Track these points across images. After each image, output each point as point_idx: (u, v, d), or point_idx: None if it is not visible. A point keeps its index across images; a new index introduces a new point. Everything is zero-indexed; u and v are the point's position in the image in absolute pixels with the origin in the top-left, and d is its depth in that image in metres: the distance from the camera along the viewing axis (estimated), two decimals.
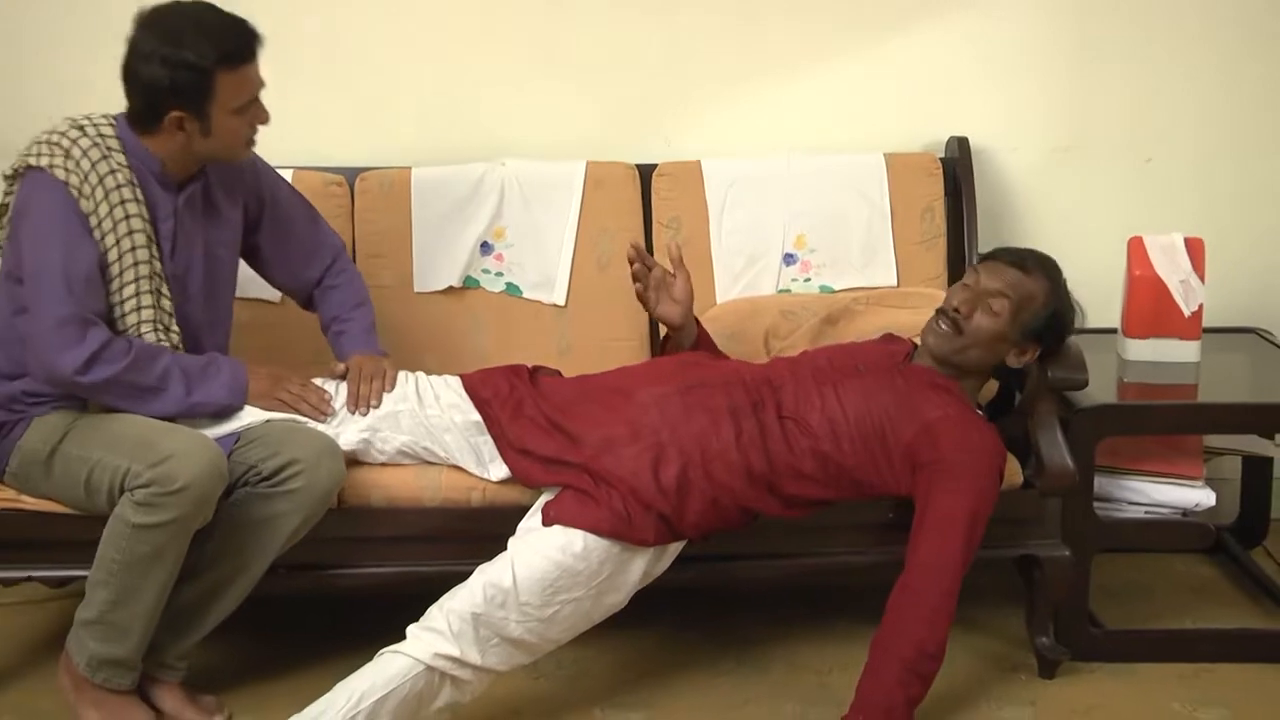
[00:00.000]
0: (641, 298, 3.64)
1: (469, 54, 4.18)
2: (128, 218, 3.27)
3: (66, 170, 3.24)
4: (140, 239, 3.28)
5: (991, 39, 4.20)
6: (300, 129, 4.08)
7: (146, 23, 3.24)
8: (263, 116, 3.36)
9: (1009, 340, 3.47)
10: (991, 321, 3.44)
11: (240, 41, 3.26)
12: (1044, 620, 3.58)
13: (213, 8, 3.27)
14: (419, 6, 4.15)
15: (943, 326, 3.47)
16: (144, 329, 3.30)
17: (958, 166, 4.12)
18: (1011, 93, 4.23)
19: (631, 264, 3.60)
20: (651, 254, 3.97)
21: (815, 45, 4.21)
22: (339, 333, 3.63)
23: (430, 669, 3.11)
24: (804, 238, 4.07)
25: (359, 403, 3.44)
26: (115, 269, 3.27)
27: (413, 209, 4.03)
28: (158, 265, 3.33)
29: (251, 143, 3.39)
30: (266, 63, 3.91)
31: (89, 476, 3.25)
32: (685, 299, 3.64)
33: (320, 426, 3.40)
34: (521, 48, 4.19)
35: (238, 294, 3.76)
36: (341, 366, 3.52)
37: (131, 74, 3.25)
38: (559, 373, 3.64)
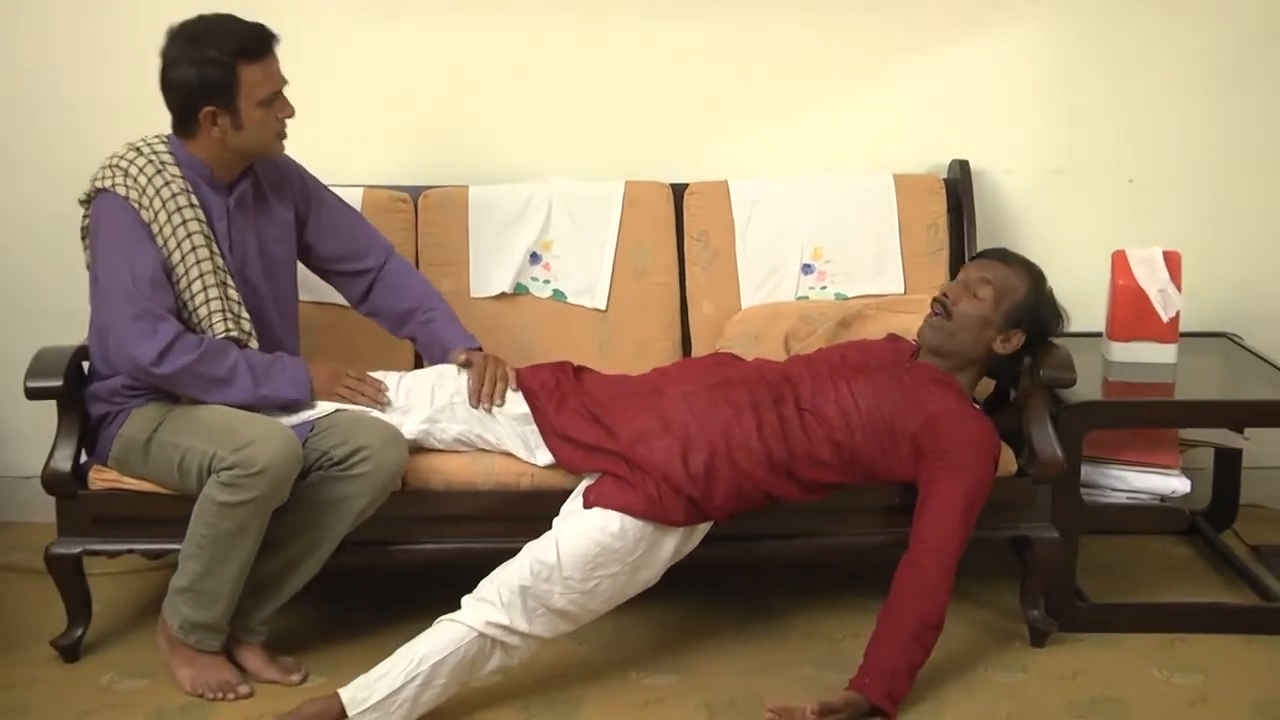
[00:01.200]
0: None
1: (520, 85, 4.17)
2: (185, 222, 3.30)
3: (126, 187, 3.28)
4: (199, 239, 3.31)
5: (989, 72, 4.19)
6: (370, 152, 4.11)
7: (174, 34, 3.29)
8: (287, 110, 3.35)
9: (993, 325, 3.46)
10: (976, 306, 3.45)
11: (257, 37, 3.29)
12: (1035, 595, 3.56)
13: (231, 16, 3.31)
14: (477, 45, 4.14)
15: (934, 314, 3.48)
16: (214, 319, 3.32)
17: (959, 186, 4.10)
18: (1007, 121, 4.21)
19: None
20: (683, 263, 4.03)
21: (831, 77, 4.19)
22: (427, 320, 3.62)
23: (483, 636, 3.11)
24: (820, 250, 4.05)
25: (483, 400, 3.44)
26: (180, 269, 3.30)
27: (469, 223, 4.02)
28: (220, 261, 3.35)
29: (282, 135, 3.39)
30: (344, 97, 3.93)
31: (181, 460, 3.27)
32: None
33: (385, 416, 3.41)
34: (569, 81, 4.17)
35: (314, 299, 3.80)
36: (463, 356, 3.51)
37: (166, 80, 3.30)
38: (598, 374, 3.63)
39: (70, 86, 4.12)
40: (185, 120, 3.32)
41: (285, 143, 3.43)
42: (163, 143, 3.37)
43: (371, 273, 3.64)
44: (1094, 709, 3.28)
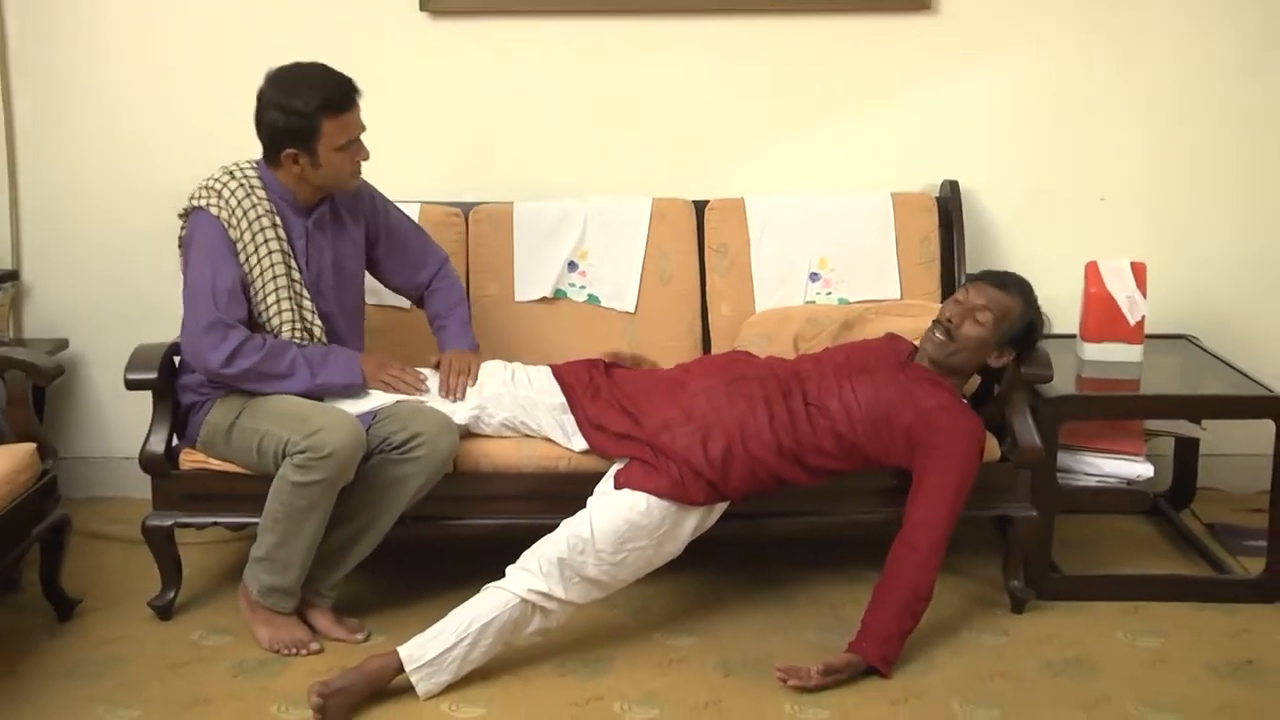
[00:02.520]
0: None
1: (560, 114, 4.16)
2: (266, 241, 3.31)
3: (219, 207, 3.30)
4: (277, 257, 3.32)
5: (976, 103, 4.16)
6: (427, 172, 4.11)
7: (270, 79, 3.29)
8: (363, 154, 3.35)
9: (991, 345, 3.43)
10: (977, 330, 3.41)
11: (341, 93, 3.27)
12: (1015, 567, 3.54)
13: (324, 67, 3.30)
14: (522, 79, 4.14)
15: (938, 335, 3.44)
16: (284, 328, 3.34)
17: (949, 204, 4.07)
18: (992, 146, 4.18)
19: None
20: (704, 271, 4.02)
21: (836, 106, 4.17)
22: (440, 327, 3.63)
23: (525, 601, 3.11)
24: (826, 259, 4.02)
25: (448, 393, 3.44)
26: (259, 283, 3.31)
27: (514, 235, 4.00)
28: (296, 276, 3.36)
29: (356, 175, 3.39)
30: (407, 125, 3.90)
31: (259, 444, 3.28)
32: None
33: (440, 406, 3.40)
34: (602, 110, 4.16)
35: (376, 303, 3.78)
36: (435, 360, 3.52)
37: (258, 119, 3.30)
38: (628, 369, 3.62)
39: (149, 114, 4.14)
40: (271, 154, 3.33)
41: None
42: (253, 168, 3.37)
43: (424, 284, 3.66)
44: (1066, 669, 3.26)
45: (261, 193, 3.33)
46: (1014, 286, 3.47)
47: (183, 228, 3.39)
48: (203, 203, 3.31)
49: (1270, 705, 3.11)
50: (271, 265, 3.31)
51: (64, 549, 3.49)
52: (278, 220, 3.33)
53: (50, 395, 4.16)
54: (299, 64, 3.30)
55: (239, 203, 3.30)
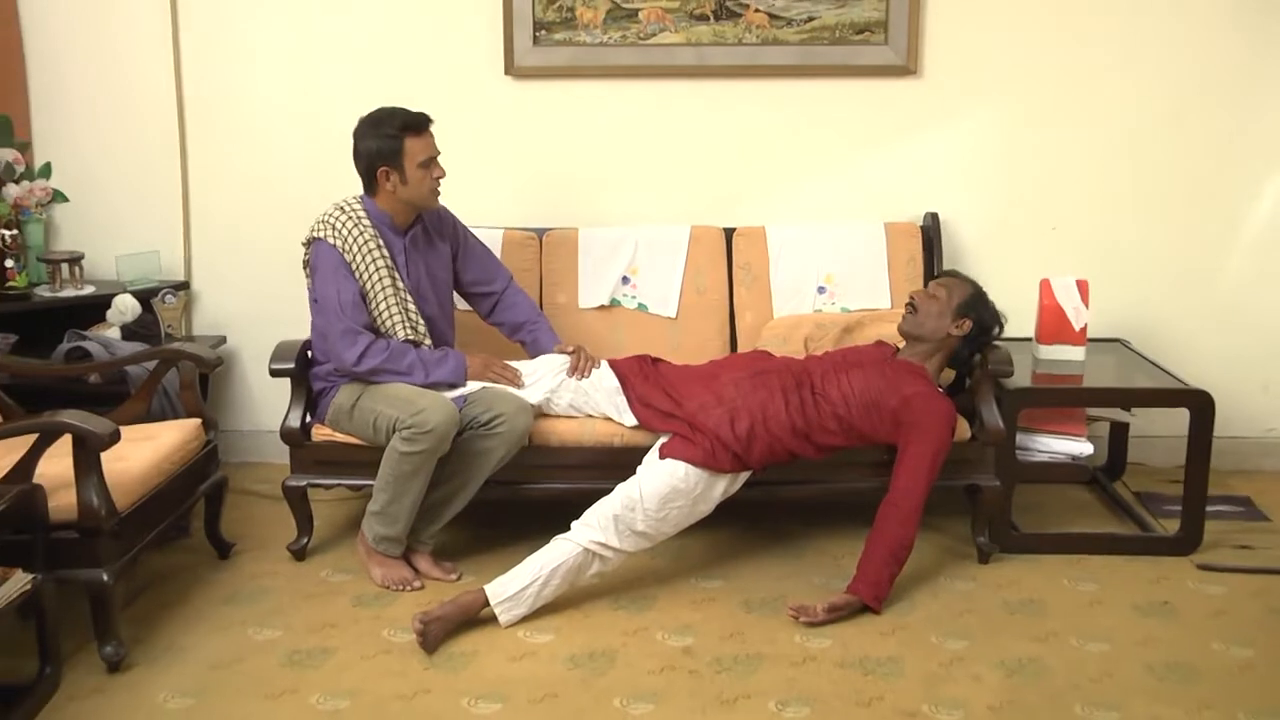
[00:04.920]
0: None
1: (616, 156, 4.13)
2: (374, 260, 3.32)
3: (334, 237, 3.31)
4: (384, 272, 3.33)
5: (953, 150, 4.10)
6: (509, 203, 4.10)
7: (362, 120, 3.35)
8: (439, 172, 3.37)
9: (948, 313, 3.43)
10: (933, 302, 3.44)
11: (417, 119, 3.33)
12: (982, 526, 3.50)
13: (402, 108, 3.34)
14: (585, 128, 4.11)
15: (906, 312, 3.48)
16: (396, 327, 3.34)
17: (931, 231, 4.02)
18: (966, 184, 4.12)
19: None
20: (732, 285, 3.97)
21: (840, 152, 4.12)
22: (533, 330, 3.60)
23: (586, 550, 3.11)
24: (831, 276, 3.97)
25: (580, 374, 3.43)
26: (372, 294, 3.32)
27: (579, 255, 3.98)
28: (400, 285, 3.36)
29: (435, 194, 3.39)
30: (492, 165, 3.89)
31: (374, 422, 3.28)
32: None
33: (517, 392, 3.38)
34: (651, 153, 4.13)
35: (460, 309, 3.73)
36: (571, 346, 3.51)
37: (355, 151, 3.35)
38: (670, 363, 3.59)
39: (289, 157, 4.14)
40: (369, 179, 3.35)
41: (442, 199, 3.43)
42: (359, 202, 3.38)
43: (496, 295, 3.64)
44: (1022, 608, 3.22)
45: (366, 221, 3.34)
46: (963, 276, 3.53)
47: (306, 253, 3.39)
48: (321, 234, 3.32)
49: (1182, 637, 3.08)
50: (380, 279, 3.31)
51: (222, 503, 3.51)
52: (381, 242, 3.34)
53: (212, 381, 4.19)
54: (383, 106, 3.36)
55: (349, 231, 3.31)
